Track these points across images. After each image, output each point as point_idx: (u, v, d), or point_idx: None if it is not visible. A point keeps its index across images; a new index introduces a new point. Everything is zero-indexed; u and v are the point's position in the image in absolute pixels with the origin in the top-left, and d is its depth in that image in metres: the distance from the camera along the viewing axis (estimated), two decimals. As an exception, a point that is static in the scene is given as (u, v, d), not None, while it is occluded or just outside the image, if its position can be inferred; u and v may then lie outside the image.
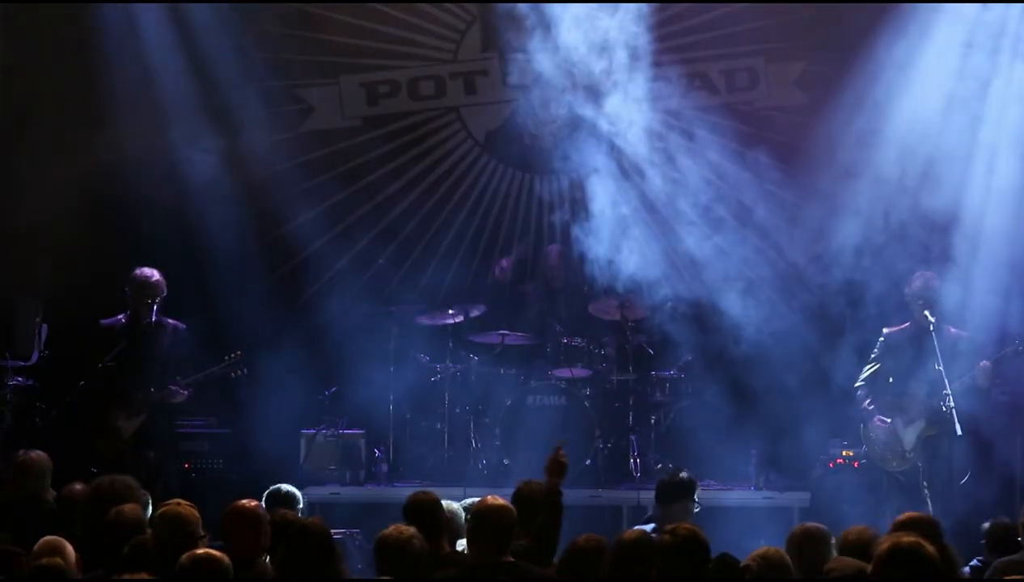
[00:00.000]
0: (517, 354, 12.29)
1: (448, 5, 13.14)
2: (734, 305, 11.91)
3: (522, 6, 12.11)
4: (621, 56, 11.89)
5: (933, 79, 11.62)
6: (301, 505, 8.21)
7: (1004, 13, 11.56)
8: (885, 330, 10.57)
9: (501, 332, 12.12)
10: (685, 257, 12.28)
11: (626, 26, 11.84)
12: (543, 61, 12.09)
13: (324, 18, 12.96)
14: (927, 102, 11.62)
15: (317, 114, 13.20)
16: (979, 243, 11.37)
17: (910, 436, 10.32)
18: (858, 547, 6.32)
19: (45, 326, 11.63)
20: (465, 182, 13.27)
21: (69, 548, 6.50)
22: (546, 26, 11.98)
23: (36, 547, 6.47)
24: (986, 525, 7.94)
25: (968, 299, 10.93)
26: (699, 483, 8.92)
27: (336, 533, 9.56)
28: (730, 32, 12.78)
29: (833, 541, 6.59)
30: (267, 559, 6.60)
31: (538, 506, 7.12)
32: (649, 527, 8.19)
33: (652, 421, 12.14)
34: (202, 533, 6.50)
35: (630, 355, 12.11)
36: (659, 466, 11.71)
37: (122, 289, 10.56)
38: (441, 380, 12.04)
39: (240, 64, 12.64)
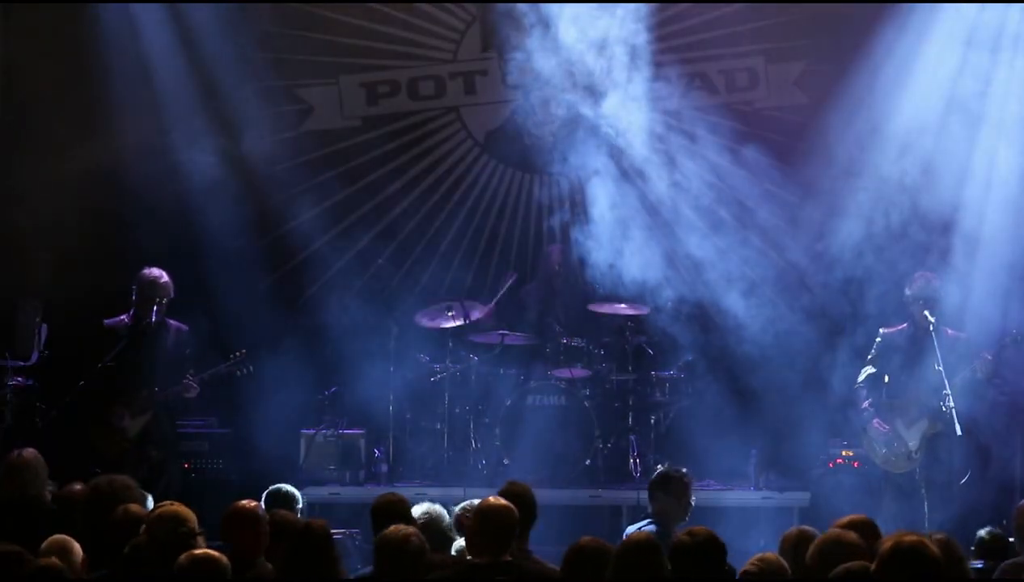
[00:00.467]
0: (517, 354, 12.29)
1: (448, 5, 13.15)
2: (734, 305, 11.92)
3: (522, 6, 12.12)
4: (621, 56, 11.90)
5: (933, 79, 11.63)
6: (301, 505, 8.20)
7: (1004, 12, 11.56)
8: (882, 330, 10.57)
9: (501, 332, 12.13)
10: (685, 257, 12.28)
11: (626, 26, 11.86)
12: (543, 61, 12.10)
13: (324, 18, 12.96)
14: (927, 102, 11.63)
15: (317, 114, 13.20)
16: (978, 244, 11.38)
17: (914, 437, 10.31)
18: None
19: (45, 326, 11.63)
20: (465, 182, 13.27)
21: (76, 547, 6.49)
22: (546, 26, 11.99)
23: (43, 546, 6.47)
24: (983, 533, 7.87)
25: (967, 300, 10.94)
26: (699, 483, 8.89)
27: (336, 533, 9.59)
28: (730, 32, 12.79)
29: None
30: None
31: (528, 507, 7.09)
32: (644, 523, 8.20)
33: (652, 421, 12.14)
34: (199, 530, 6.50)
35: (630, 355, 12.11)
36: (659, 466, 11.70)
37: (128, 288, 10.57)
38: (441, 380, 12.04)
39: (240, 64, 12.64)
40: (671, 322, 12.06)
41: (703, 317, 12.17)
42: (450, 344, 12.09)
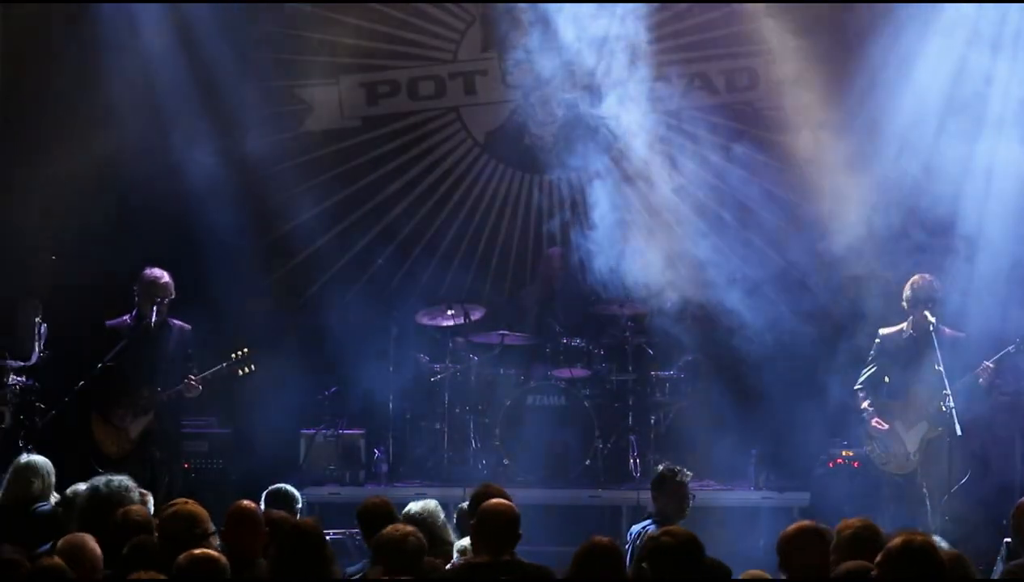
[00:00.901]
0: (517, 354, 12.29)
1: (448, 5, 13.15)
2: (735, 305, 11.91)
3: (522, 6, 12.12)
4: (621, 56, 11.90)
5: (933, 78, 11.63)
6: (300, 505, 8.20)
7: (1003, 12, 11.56)
8: (881, 331, 10.56)
9: (501, 332, 12.13)
10: (685, 257, 12.28)
11: (626, 26, 11.86)
12: (543, 61, 12.10)
13: (324, 18, 12.96)
14: (927, 101, 11.62)
15: (317, 114, 13.20)
16: (979, 244, 11.38)
17: (913, 439, 10.30)
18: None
19: (45, 326, 11.62)
20: (465, 182, 13.28)
21: (92, 545, 6.42)
22: (545, 26, 11.99)
23: (59, 544, 6.44)
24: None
25: (967, 300, 10.94)
26: (699, 483, 8.89)
27: (336, 533, 9.61)
28: (730, 32, 12.79)
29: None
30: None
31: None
32: (646, 523, 8.20)
33: (652, 421, 12.14)
34: (212, 529, 6.50)
35: (630, 355, 12.11)
36: (659, 466, 11.69)
37: (129, 288, 10.57)
38: (441, 380, 12.04)
39: (240, 64, 12.65)
40: (672, 322, 12.06)
41: (704, 317, 12.17)
42: (450, 344, 12.10)
